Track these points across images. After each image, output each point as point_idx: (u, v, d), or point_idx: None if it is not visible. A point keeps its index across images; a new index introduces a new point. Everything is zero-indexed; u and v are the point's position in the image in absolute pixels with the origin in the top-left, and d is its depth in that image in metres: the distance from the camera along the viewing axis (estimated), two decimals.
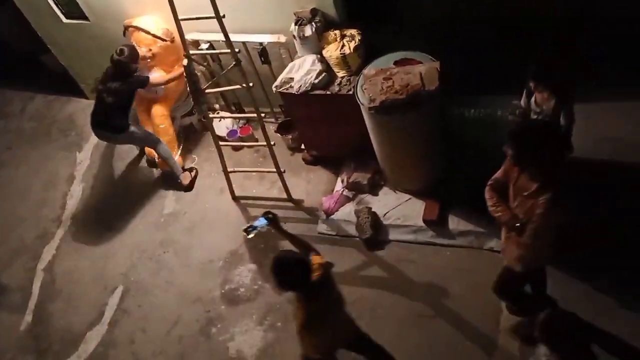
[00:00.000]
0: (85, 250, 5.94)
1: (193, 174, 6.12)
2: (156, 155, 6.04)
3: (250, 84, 4.98)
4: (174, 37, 5.67)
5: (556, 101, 3.88)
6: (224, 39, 4.75)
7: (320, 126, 5.32)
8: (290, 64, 5.13)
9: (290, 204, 5.63)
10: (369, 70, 4.68)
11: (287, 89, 5.07)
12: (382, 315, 4.71)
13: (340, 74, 4.99)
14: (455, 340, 4.40)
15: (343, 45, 4.85)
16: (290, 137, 5.86)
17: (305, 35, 4.96)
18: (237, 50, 4.87)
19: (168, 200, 6.05)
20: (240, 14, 5.12)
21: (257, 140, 6.07)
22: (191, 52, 5.00)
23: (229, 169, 5.64)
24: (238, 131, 6.22)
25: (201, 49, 5.55)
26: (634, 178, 4.77)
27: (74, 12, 6.15)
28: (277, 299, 5.05)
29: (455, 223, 4.86)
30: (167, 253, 5.66)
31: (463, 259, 4.67)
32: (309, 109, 5.17)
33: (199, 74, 5.17)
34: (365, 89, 4.57)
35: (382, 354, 3.99)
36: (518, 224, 3.47)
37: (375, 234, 5.05)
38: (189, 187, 6.06)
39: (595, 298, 4.32)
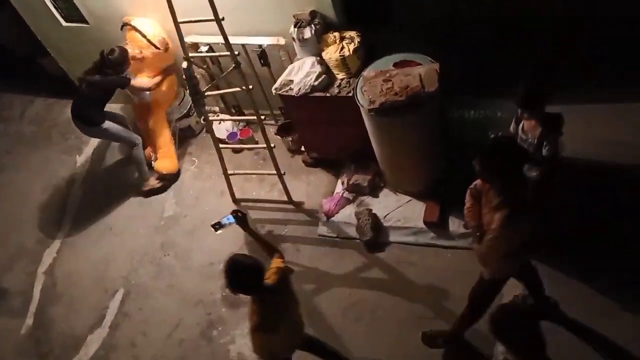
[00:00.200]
0: (86, 254, 5.94)
1: (158, 185, 6.14)
2: (153, 157, 6.06)
3: (250, 87, 4.98)
4: (168, 47, 5.71)
5: (542, 130, 3.86)
6: (223, 42, 4.75)
7: (320, 128, 5.32)
8: (290, 66, 5.13)
9: (290, 206, 5.63)
10: (368, 72, 4.68)
11: (286, 91, 5.06)
12: (383, 317, 4.72)
13: (340, 76, 4.98)
14: None
15: (342, 48, 4.85)
16: (290, 139, 5.86)
17: (305, 37, 4.96)
18: (236, 52, 4.86)
19: (168, 204, 6.05)
20: (239, 17, 5.13)
21: (257, 143, 6.06)
22: (190, 54, 4.99)
23: (229, 172, 5.63)
24: (238, 134, 6.22)
25: (200, 52, 5.54)
26: (633, 180, 4.77)
27: (74, 15, 6.14)
28: None
29: (455, 225, 4.86)
30: (168, 256, 5.66)
31: (464, 261, 4.66)
32: (308, 111, 5.17)
33: (198, 76, 5.16)
34: (364, 90, 4.57)
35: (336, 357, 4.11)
36: (478, 233, 3.63)
37: (375, 235, 5.05)
38: (145, 194, 6.14)
39: (595, 299, 4.33)
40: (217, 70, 5.77)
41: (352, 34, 4.91)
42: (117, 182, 6.32)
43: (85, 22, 6.10)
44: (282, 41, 5.25)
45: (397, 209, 5.16)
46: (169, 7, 4.60)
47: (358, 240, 5.16)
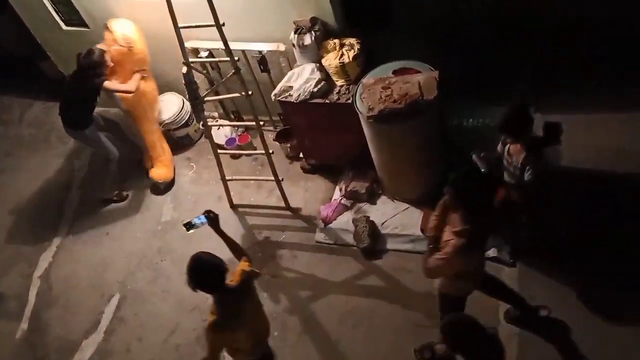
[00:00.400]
0: (83, 258, 5.92)
1: (123, 196, 6.24)
2: (149, 165, 6.09)
3: (250, 92, 4.99)
4: (132, 46, 5.53)
5: (525, 155, 3.86)
6: (223, 47, 4.76)
7: (319, 135, 5.32)
8: (289, 73, 5.13)
9: (288, 213, 5.63)
10: (367, 79, 4.69)
11: (286, 97, 5.07)
12: (380, 324, 4.70)
13: (339, 82, 4.99)
14: None
15: (342, 54, 4.86)
16: (288, 145, 5.86)
17: (305, 44, 4.97)
18: (236, 58, 4.87)
19: (166, 208, 6.04)
20: (239, 23, 5.14)
21: (255, 149, 6.07)
22: (190, 59, 5.00)
23: (227, 177, 5.63)
24: (236, 139, 6.22)
25: (200, 57, 5.55)
26: (633, 187, 4.77)
27: (74, 19, 6.15)
28: (275, 308, 5.03)
29: None
30: (165, 261, 5.64)
31: None
32: (307, 117, 5.18)
33: (198, 81, 5.16)
34: (364, 98, 4.57)
35: None
36: (432, 245, 3.68)
37: (372, 243, 5.04)
38: (104, 201, 6.23)
39: (594, 305, 4.35)
40: (217, 75, 5.78)
41: (352, 41, 4.92)
42: (121, 186, 6.29)
43: (86, 25, 6.11)
44: (282, 47, 5.26)
45: (395, 216, 5.16)
46: (169, 12, 4.61)
47: (355, 248, 5.15)
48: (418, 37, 4.96)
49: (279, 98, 5.12)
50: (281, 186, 5.50)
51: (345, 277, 5.05)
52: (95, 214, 6.23)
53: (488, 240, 3.77)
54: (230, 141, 6.21)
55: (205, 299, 5.15)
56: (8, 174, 6.96)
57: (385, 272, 4.97)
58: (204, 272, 3.46)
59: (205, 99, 5.17)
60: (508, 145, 4.00)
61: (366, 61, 4.94)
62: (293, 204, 5.63)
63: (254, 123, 5.19)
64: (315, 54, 5.02)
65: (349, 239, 5.20)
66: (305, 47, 4.99)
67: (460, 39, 5.04)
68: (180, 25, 4.72)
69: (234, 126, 6.24)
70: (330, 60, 4.90)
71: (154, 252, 5.72)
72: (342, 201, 5.39)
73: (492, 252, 4.71)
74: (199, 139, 6.54)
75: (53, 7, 6.15)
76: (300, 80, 5.00)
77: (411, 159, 4.85)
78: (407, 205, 5.17)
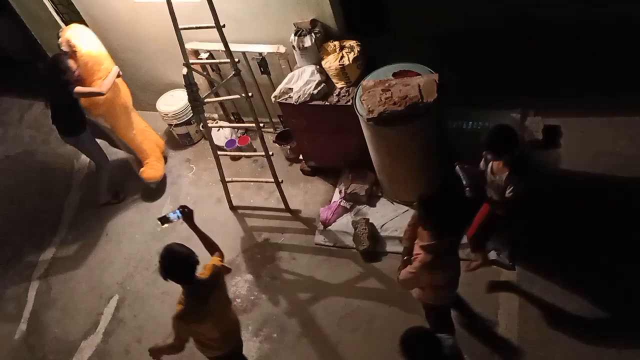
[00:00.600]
0: (82, 259, 5.91)
1: (120, 197, 6.25)
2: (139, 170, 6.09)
3: (250, 94, 4.99)
4: (75, 51, 5.34)
5: (508, 174, 3.84)
6: (223, 49, 4.76)
7: (319, 137, 5.32)
8: (290, 75, 5.14)
9: (287, 214, 5.62)
10: (367, 81, 4.69)
11: (286, 99, 5.07)
12: (379, 327, 4.69)
13: (339, 85, 4.99)
14: None
15: (342, 57, 4.86)
16: (288, 147, 5.86)
17: (305, 46, 4.97)
18: (236, 60, 4.87)
19: (165, 210, 6.02)
20: (240, 24, 5.15)
21: (255, 150, 6.07)
22: (191, 61, 5.00)
23: (226, 179, 5.62)
24: (236, 141, 6.22)
25: (201, 59, 5.56)
26: (631, 190, 4.78)
27: (74, 19, 6.16)
28: (274, 310, 5.03)
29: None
30: None
31: (460, 273, 4.64)
32: (307, 119, 5.17)
33: (198, 83, 5.16)
34: (363, 100, 4.57)
35: None
36: (405, 257, 3.78)
37: (372, 245, 5.04)
38: (102, 205, 6.21)
39: (590, 308, 4.35)
40: (217, 77, 5.78)
41: (352, 43, 4.93)
42: (114, 188, 6.28)
43: (86, 26, 6.11)
44: (282, 49, 5.26)
45: (394, 219, 5.15)
46: (170, 13, 4.61)
47: (355, 250, 5.14)
48: (418, 40, 4.97)
49: (279, 100, 5.12)
50: (281, 188, 5.50)
51: (344, 280, 5.04)
52: (95, 215, 6.22)
53: (457, 255, 3.85)
54: (230, 143, 6.21)
55: None
56: (8, 175, 6.95)
57: (384, 275, 4.96)
58: (175, 262, 3.59)
59: (205, 100, 5.17)
60: (491, 163, 3.97)
61: (366, 63, 4.95)
62: (293, 205, 5.62)
63: (253, 125, 5.18)
64: (316, 56, 5.03)
65: (349, 241, 5.20)
66: (305, 49, 5.00)
67: (459, 48, 5.05)
68: (180, 26, 4.72)
69: (234, 128, 6.24)
70: (330, 63, 4.90)
71: (153, 254, 5.70)
72: (342, 203, 5.39)
73: (491, 255, 4.72)
74: (199, 140, 6.54)
75: (53, 8, 6.17)
76: (300, 82, 5.00)
77: (411, 162, 4.84)
78: (406, 208, 5.17)
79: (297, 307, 5.03)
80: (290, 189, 5.70)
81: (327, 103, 4.96)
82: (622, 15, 4.90)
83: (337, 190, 5.52)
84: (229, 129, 6.25)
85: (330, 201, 5.51)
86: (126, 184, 6.37)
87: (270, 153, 5.29)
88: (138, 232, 5.95)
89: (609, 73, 5.05)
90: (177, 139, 6.53)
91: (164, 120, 6.40)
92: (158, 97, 6.37)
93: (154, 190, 6.20)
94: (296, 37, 4.99)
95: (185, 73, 4.90)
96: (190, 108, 6.03)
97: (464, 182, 3.96)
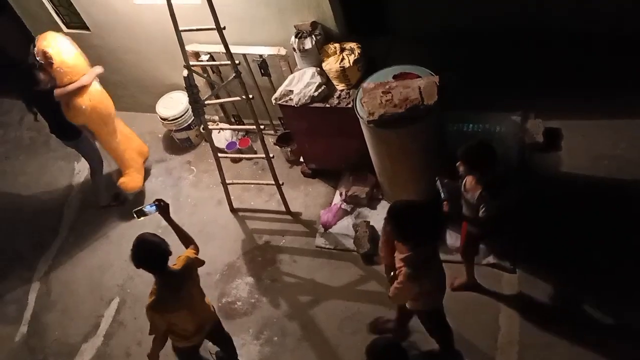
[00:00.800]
0: (82, 261, 5.91)
1: (121, 198, 6.21)
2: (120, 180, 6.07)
3: (250, 96, 4.98)
4: (51, 62, 5.19)
5: (480, 192, 3.80)
6: (224, 51, 4.75)
7: (319, 139, 5.31)
8: (290, 77, 5.13)
9: (288, 217, 5.62)
10: (368, 83, 4.68)
11: (286, 101, 5.07)
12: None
13: (340, 87, 4.99)
14: None
15: (343, 59, 4.85)
16: (289, 149, 5.86)
17: (305, 48, 4.96)
18: (237, 62, 4.86)
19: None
20: (240, 26, 5.14)
21: (255, 153, 6.07)
22: (191, 63, 4.99)
23: (227, 181, 5.62)
24: (237, 143, 6.21)
25: (201, 61, 5.55)
26: (631, 193, 4.77)
27: (75, 21, 6.17)
28: (274, 313, 5.02)
29: (453, 239, 4.84)
30: None
31: (461, 276, 4.64)
32: (308, 121, 5.17)
33: (199, 85, 5.16)
34: (364, 102, 4.56)
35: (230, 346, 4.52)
36: (391, 274, 3.76)
37: (373, 248, 5.03)
38: (103, 208, 6.18)
39: (593, 311, 4.35)
40: (218, 79, 5.77)
41: (353, 45, 4.92)
42: (114, 190, 6.27)
43: (87, 28, 6.11)
44: (282, 51, 5.26)
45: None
46: (170, 15, 4.60)
47: (355, 253, 5.13)
48: (418, 42, 4.96)
49: (280, 102, 5.11)
50: (281, 190, 5.49)
51: (345, 283, 5.03)
52: (95, 217, 6.21)
53: (439, 258, 3.82)
54: (230, 145, 6.20)
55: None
56: (8, 177, 6.95)
57: (385, 278, 4.93)
58: (146, 251, 3.70)
59: (206, 102, 5.16)
60: (466, 178, 3.93)
61: (366, 65, 4.94)
62: (293, 208, 5.61)
63: (254, 127, 5.18)
64: (316, 58, 5.02)
65: (349, 243, 5.19)
66: (306, 51, 4.99)
67: (460, 51, 5.03)
68: (181, 28, 4.71)
69: (234, 130, 6.24)
70: (331, 65, 4.89)
71: None
72: (343, 206, 5.38)
73: (491, 259, 4.71)
74: (200, 143, 6.53)
75: (54, 9, 6.16)
76: (301, 84, 4.99)
77: (411, 164, 4.83)
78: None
79: (298, 310, 5.02)
80: (291, 191, 5.69)
81: (327, 105, 4.95)
82: (622, 17, 4.89)
83: (337, 192, 5.51)
84: (230, 131, 6.24)
85: (330, 204, 5.50)
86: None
87: (271, 155, 5.28)
88: (138, 234, 5.93)
89: (610, 75, 5.03)
90: (178, 143, 6.51)
91: (163, 125, 6.39)
92: (158, 98, 6.35)
93: (155, 193, 6.17)
94: (297, 39, 4.98)
95: (185, 75, 4.89)
96: (189, 112, 6.07)
97: (442, 196, 3.92)
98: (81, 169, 6.72)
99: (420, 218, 3.47)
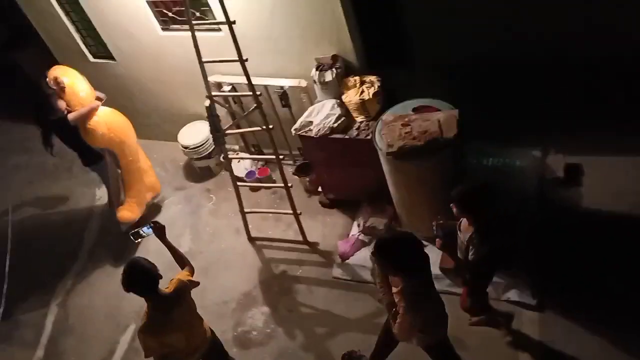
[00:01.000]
0: (100, 287, 5.95)
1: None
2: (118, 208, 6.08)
3: (270, 126, 5.04)
4: (63, 87, 5.40)
5: (471, 234, 3.78)
6: (246, 82, 4.84)
7: (338, 169, 5.34)
8: (310, 108, 5.19)
9: (305, 247, 5.62)
10: (387, 116, 4.72)
11: (306, 132, 5.12)
12: None
13: (359, 119, 5.04)
14: None
15: (362, 91, 4.91)
16: (307, 179, 5.89)
17: (326, 80, 5.04)
18: (258, 93, 4.94)
19: (184, 240, 6.06)
20: (262, 59, 5.23)
21: (274, 182, 6.11)
22: (213, 93, 5.08)
23: (245, 210, 5.65)
24: (256, 172, 6.26)
25: (223, 91, 5.65)
26: None
27: (101, 51, 6.34)
28: (290, 343, 4.99)
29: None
30: None
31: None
32: (327, 152, 5.21)
33: (220, 115, 5.24)
34: (383, 134, 4.59)
35: None
36: (393, 310, 3.72)
37: None
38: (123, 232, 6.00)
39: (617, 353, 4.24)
40: (239, 109, 5.86)
41: (372, 78, 4.98)
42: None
43: (112, 58, 6.27)
44: (303, 83, 5.33)
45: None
46: (194, 47, 4.71)
47: (373, 284, 5.09)
48: (439, 76, 4.99)
49: (299, 132, 5.17)
50: (299, 220, 5.50)
51: (362, 315, 4.98)
52: (114, 243, 6.26)
53: (433, 286, 3.78)
54: (250, 174, 6.26)
55: (220, 332, 5.18)
56: (30, 202, 7.06)
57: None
58: (137, 275, 3.77)
59: (227, 131, 5.23)
60: (461, 220, 3.92)
61: (386, 98, 4.99)
62: (311, 238, 5.62)
63: (274, 157, 5.23)
64: (336, 91, 5.08)
65: (367, 275, 5.16)
66: (326, 84, 5.06)
67: (480, 84, 5.05)
68: (204, 59, 4.81)
69: (254, 159, 6.30)
70: (351, 97, 4.95)
71: None
72: (360, 237, 5.37)
73: (512, 295, 4.64)
74: (219, 172, 6.59)
75: (82, 40, 6.33)
76: (321, 115, 5.05)
77: (430, 197, 4.82)
78: (426, 243, 5.11)
79: (314, 341, 4.98)
80: (309, 221, 5.70)
81: (346, 136, 5.00)
82: None
83: (355, 223, 5.50)
84: (249, 160, 6.30)
85: (348, 234, 5.49)
86: (146, 214, 6.41)
87: (290, 185, 5.32)
88: (157, 261, 5.85)
89: (632, 111, 5.00)
90: (198, 171, 6.59)
91: (184, 154, 6.48)
92: (180, 127, 6.46)
93: (174, 221, 6.22)
94: (317, 72, 5.05)
95: (207, 105, 4.97)
96: (210, 141, 6.15)
97: (435, 234, 3.95)
98: (102, 195, 6.81)
99: (405, 249, 3.50)
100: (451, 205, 3.79)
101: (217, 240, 5.99)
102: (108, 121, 5.63)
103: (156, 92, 6.44)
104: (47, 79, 5.43)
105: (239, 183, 5.59)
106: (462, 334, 4.59)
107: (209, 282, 5.62)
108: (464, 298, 4.33)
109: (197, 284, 4.09)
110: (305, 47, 5.10)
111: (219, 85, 5.71)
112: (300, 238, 5.62)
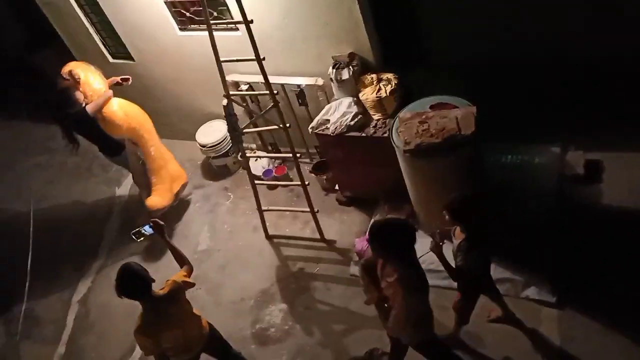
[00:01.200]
0: None
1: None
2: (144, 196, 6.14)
3: (287, 125, 5.06)
4: (78, 79, 5.57)
5: (459, 243, 3.81)
6: (263, 81, 4.86)
7: (355, 167, 5.34)
8: (327, 106, 5.20)
9: (322, 245, 5.63)
10: (404, 113, 4.70)
11: (323, 130, 5.13)
12: None
13: (376, 116, 5.03)
14: None
15: (379, 89, 4.91)
16: (324, 177, 5.90)
17: (343, 78, 5.04)
18: (275, 92, 4.96)
19: (202, 237, 6.11)
20: (279, 57, 5.26)
21: (291, 180, 6.13)
22: (231, 92, 5.11)
23: (263, 208, 5.68)
24: (273, 171, 6.29)
25: (241, 90, 5.68)
26: None
27: (121, 52, 6.41)
28: (308, 340, 5.00)
29: (492, 270, 4.75)
30: (200, 290, 5.66)
31: (496, 308, 4.55)
32: (344, 150, 5.21)
33: (238, 114, 5.27)
34: (400, 132, 4.58)
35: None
36: (385, 305, 3.76)
37: None
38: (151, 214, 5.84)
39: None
40: (256, 108, 5.89)
41: (389, 75, 4.97)
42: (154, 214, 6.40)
43: (132, 59, 6.34)
44: (320, 82, 5.34)
45: (431, 252, 5.09)
46: (212, 46, 4.75)
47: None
48: (456, 73, 4.97)
49: (316, 131, 5.18)
50: (316, 218, 5.52)
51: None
52: (134, 240, 6.30)
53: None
54: (267, 172, 6.29)
55: (238, 330, 5.26)
56: (51, 201, 7.17)
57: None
58: (129, 279, 3.82)
59: (244, 130, 5.26)
60: (455, 227, 3.94)
61: (403, 96, 4.97)
62: (328, 236, 5.63)
63: (291, 155, 5.25)
64: (353, 89, 5.09)
65: None
66: (343, 82, 5.06)
67: (497, 82, 5.03)
68: (222, 59, 4.85)
69: (271, 158, 6.32)
70: (368, 95, 4.95)
71: None
72: None
73: (531, 293, 4.61)
74: (237, 171, 6.63)
75: (101, 41, 6.41)
76: (338, 113, 5.06)
77: (447, 194, 4.78)
78: (444, 241, 5.10)
79: (331, 338, 4.99)
80: (326, 219, 5.71)
81: (363, 134, 5.00)
82: None
83: (372, 221, 5.50)
84: (267, 158, 6.33)
85: (365, 232, 5.48)
86: (167, 211, 6.46)
87: (307, 183, 5.34)
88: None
89: None
90: (215, 169, 6.63)
91: (202, 152, 6.54)
92: (198, 127, 6.52)
93: (192, 218, 6.28)
94: (334, 70, 5.06)
95: (225, 104, 5.01)
96: (228, 140, 6.20)
97: (432, 238, 3.95)
98: (122, 193, 6.90)
99: (399, 233, 3.54)
100: (444, 212, 3.84)
101: (234, 238, 6.02)
102: (125, 109, 5.79)
103: (174, 92, 6.49)
104: (62, 73, 5.58)
105: (256, 181, 5.62)
106: (479, 330, 4.59)
107: (226, 279, 5.69)
108: (457, 299, 4.34)
109: (192, 284, 4.12)
110: (322, 45, 5.11)
111: (236, 85, 5.74)
112: (317, 236, 5.63)
